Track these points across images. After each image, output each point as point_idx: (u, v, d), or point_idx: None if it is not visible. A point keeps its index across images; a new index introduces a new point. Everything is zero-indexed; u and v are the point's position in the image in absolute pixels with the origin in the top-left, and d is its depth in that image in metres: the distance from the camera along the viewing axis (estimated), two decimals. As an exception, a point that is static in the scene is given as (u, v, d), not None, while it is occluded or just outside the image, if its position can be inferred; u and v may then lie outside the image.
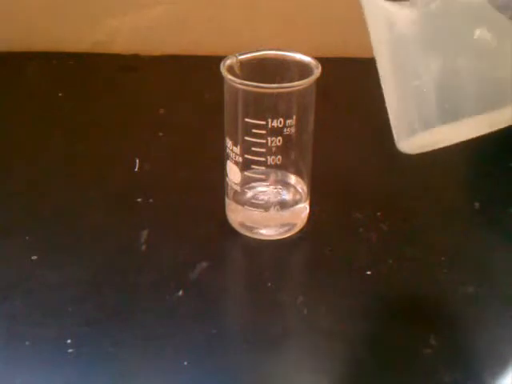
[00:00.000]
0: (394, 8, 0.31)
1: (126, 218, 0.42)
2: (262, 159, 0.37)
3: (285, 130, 0.37)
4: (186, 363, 0.32)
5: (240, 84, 0.36)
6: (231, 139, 0.38)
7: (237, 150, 0.38)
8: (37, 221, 0.42)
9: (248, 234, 0.40)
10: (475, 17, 0.30)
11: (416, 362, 0.32)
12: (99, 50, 0.64)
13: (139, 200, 0.43)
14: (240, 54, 0.38)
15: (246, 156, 0.37)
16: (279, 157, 0.37)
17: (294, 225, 0.40)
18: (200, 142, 0.49)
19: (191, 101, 0.56)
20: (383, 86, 0.32)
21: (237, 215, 0.40)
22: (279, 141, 0.37)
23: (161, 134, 0.51)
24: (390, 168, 0.49)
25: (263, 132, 0.36)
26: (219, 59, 0.37)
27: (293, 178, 0.40)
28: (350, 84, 0.59)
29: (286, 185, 0.40)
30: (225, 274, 0.39)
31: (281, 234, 0.40)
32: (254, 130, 0.37)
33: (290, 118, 0.37)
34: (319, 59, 0.37)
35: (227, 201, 0.40)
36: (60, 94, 0.57)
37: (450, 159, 0.50)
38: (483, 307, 0.36)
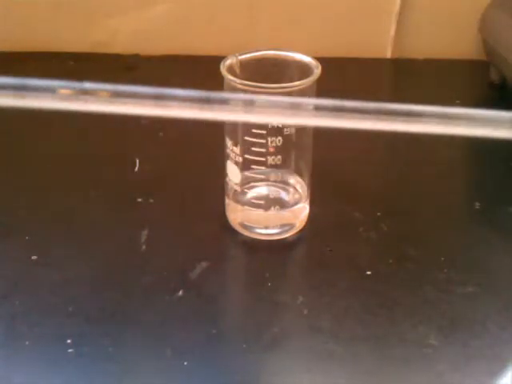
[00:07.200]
0: None
1: (125, 218, 0.42)
2: (262, 159, 0.37)
3: (285, 130, 0.37)
4: (185, 363, 0.32)
5: (240, 84, 0.36)
6: (231, 139, 0.38)
7: (237, 150, 0.38)
8: (37, 221, 0.42)
9: (248, 233, 0.40)
10: None
11: (416, 362, 0.32)
12: (99, 49, 0.64)
13: (139, 200, 0.43)
14: (240, 54, 0.38)
15: (246, 156, 0.37)
16: (279, 157, 0.37)
17: (294, 225, 0.40)
18: (200, 142, 0.49)
19: (191, 101, 0.56)
20: None
21: (237, 215, 0.40)
22: (279, 141, 0.37)
23: (161, 134, 0.51)
24: (390, 168, 0.49)
25: (263, 132, 0.36)
26: (219, 59, 0.37)
27: (293, 178, 0.40)
28: (350, 84, 0.59)
29: (286, 185, 0.40)
30: (225, 274, 0.39)
31: (281, 233, 0.40)
32: (254, 130, 0.36)
33: (290, 117, 0.36)
34: (319, 59, 0.37)
35: (227, 201, 0.40)
36: (60, 94, 0.57)
37: (450, 159, 0.50)
38: (483, 307, 0.36)
